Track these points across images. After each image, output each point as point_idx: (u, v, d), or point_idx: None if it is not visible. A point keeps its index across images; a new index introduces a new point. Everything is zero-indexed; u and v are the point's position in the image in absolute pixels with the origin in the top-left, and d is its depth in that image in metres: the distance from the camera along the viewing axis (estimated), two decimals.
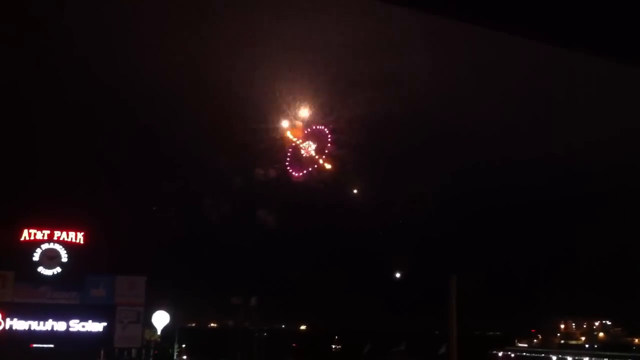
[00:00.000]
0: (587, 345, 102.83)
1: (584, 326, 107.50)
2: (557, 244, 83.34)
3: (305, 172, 46.59)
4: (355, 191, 55.66)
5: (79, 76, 54.52)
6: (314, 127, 46.61)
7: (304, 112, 45.90)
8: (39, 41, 49.26)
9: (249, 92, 49.68)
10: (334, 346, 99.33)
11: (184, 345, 79.72)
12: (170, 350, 69.95)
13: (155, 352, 64.58)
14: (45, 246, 55.93)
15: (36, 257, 55.32)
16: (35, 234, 56.05)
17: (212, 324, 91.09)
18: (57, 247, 56.22)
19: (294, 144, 46.63)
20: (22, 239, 55.52)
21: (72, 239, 56.82)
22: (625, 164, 60.09)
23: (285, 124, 46.52)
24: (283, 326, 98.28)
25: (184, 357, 78.25)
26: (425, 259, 73.94)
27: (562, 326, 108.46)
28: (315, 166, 46.37)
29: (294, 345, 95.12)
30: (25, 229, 55.49)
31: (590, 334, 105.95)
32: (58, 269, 55.67)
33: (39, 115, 59.10)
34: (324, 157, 46.18)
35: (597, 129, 55.56)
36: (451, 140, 65.43)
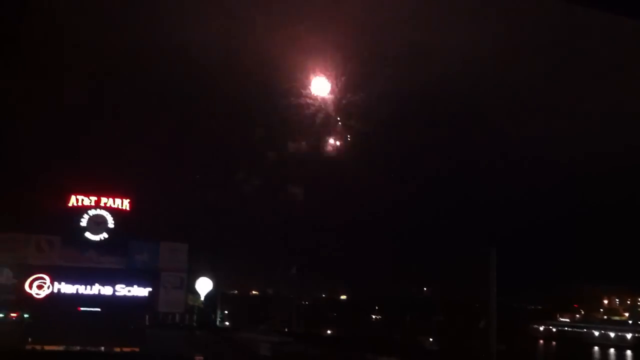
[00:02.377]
0: (630, 322, 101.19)
1: (628, 302, 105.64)
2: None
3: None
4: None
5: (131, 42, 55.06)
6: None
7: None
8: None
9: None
10: (374, 316, 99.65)
11: (226, 312, 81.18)
12: (212, 315, 71.26)
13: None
14: (92, 212, 57.12)
15: (83, 222, 56.57)
16: (82, 200, 57.21)
17: (253, 292, 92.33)
18: (104, 213, 57.33)
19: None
20: (70, 205, 56.78)
21: (118, 205, 57.88)
22: None
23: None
24: (323, 295, 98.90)
25: (226, 322, 79.71)
26: (466, 229, 73.21)
27: (606, 302, 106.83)
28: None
29: (334, 314, 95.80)
30: (72, 195, 56.70)
31: (634, 310, 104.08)
32: (105, 235, 56.88)
33: (86, 81, 59.82)
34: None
35: None
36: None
